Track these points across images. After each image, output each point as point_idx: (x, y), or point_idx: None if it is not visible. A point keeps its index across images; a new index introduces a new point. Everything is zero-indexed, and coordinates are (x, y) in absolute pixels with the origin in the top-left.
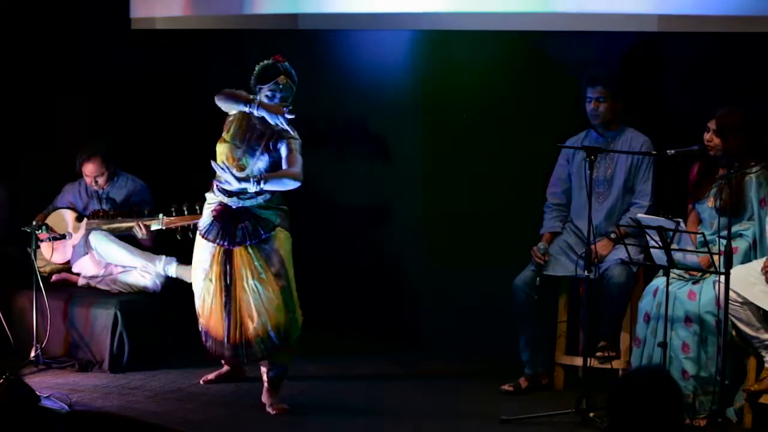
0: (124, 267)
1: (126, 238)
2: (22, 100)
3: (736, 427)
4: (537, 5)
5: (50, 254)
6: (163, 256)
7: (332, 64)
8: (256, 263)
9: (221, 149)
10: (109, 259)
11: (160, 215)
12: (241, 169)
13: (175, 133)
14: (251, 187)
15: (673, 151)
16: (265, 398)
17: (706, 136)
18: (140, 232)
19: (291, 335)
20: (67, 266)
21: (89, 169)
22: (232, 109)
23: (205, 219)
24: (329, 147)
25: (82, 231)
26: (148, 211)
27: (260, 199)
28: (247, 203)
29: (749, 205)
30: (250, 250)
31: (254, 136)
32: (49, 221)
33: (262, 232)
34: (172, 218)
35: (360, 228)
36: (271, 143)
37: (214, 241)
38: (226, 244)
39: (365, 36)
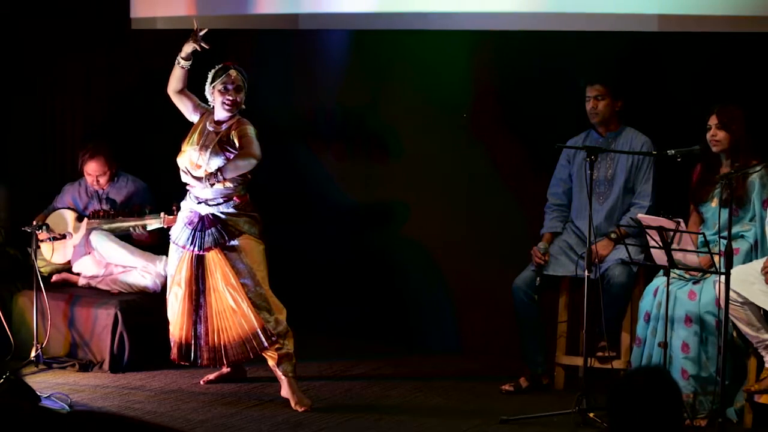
0: (124, 267)
1: (127, 238)
2: (22, 100)
3: (737, 427)
4: (537, 5)
5: (50, 254)
6: (164, 257)
7: (332, 64)
8: (226, 269)
9: (182, 159)
10: (110, 259)
11: (162, 214)
12: (198, 167)
13: (176, 132)
14: (207, 185)
15: (673, 151)
16: (285, 393)
17: (709, 134)
18: (137, 232)
19: (275, 334)
20: (67, 266)
21: (92, 167)
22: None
23: (177, 226)
24: (328, 146)
25: (82, 231)
26: (149, 210)
27: (228, 206)
28: (215, 210)
29: (752, 204)
30: (220, 256)
31: (207, 138)
32: (49, 221)
33: (227, 238)
34: (174, 217)
35: (360, 228)
36: (223, 142)
37: (183, 246)
38: (194, 248)
39: (365, 36)
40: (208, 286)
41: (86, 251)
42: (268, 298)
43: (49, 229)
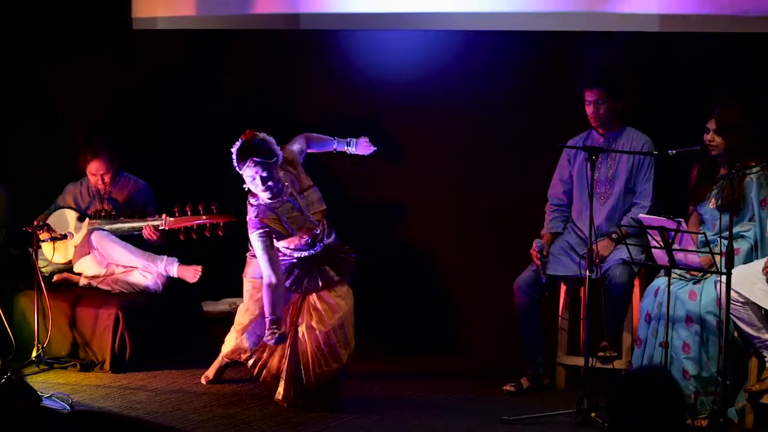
0: (125, 267)
1: (128, 238)
2: (23, 100)
3: (738, 427)
4: (537, 5)
5: (52, 254)
6: (165, 257)
7: (334, 64)
8: (320, 305)
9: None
10: (111, 259)
11: (164, 216)
12: (311, 230)
13: (177, 133)
14: (346, 147)
15: (674, 152)
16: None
17: (707, 137)
18: (148, 233)
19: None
20: (68, 266)
21: (94, 167)
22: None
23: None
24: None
25: (83, 231)
26: (151, 212)
27: (331, 239)
28: (318, 247)
29: (750, 205)
30: (326, 293)
31: (289, 193)
32: (50, 221)
33: (336, 278)
34: (176, 219)
35: (360, 229)
36: (300, 177)
37: (296, 291)
38: (310, 289)
39: (367, 36)
40: (304, 322)
41: (87, 251)
42: (352, 325)
43: (50, 229)
